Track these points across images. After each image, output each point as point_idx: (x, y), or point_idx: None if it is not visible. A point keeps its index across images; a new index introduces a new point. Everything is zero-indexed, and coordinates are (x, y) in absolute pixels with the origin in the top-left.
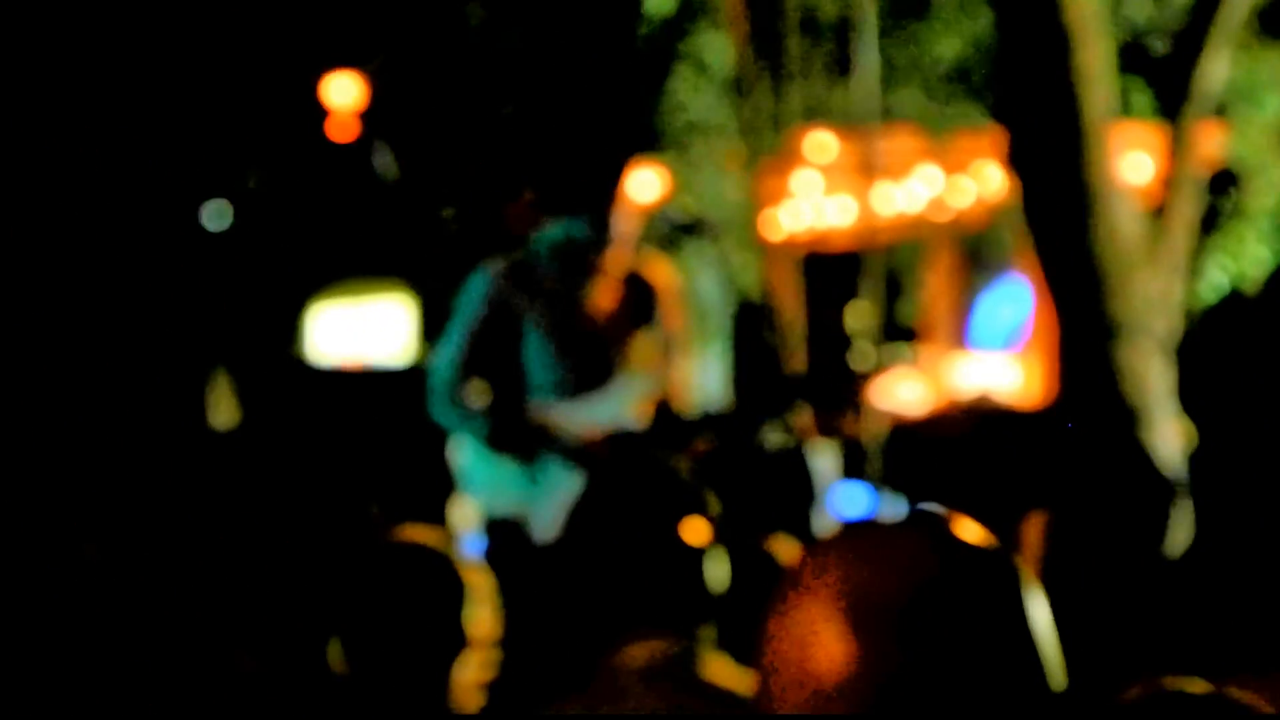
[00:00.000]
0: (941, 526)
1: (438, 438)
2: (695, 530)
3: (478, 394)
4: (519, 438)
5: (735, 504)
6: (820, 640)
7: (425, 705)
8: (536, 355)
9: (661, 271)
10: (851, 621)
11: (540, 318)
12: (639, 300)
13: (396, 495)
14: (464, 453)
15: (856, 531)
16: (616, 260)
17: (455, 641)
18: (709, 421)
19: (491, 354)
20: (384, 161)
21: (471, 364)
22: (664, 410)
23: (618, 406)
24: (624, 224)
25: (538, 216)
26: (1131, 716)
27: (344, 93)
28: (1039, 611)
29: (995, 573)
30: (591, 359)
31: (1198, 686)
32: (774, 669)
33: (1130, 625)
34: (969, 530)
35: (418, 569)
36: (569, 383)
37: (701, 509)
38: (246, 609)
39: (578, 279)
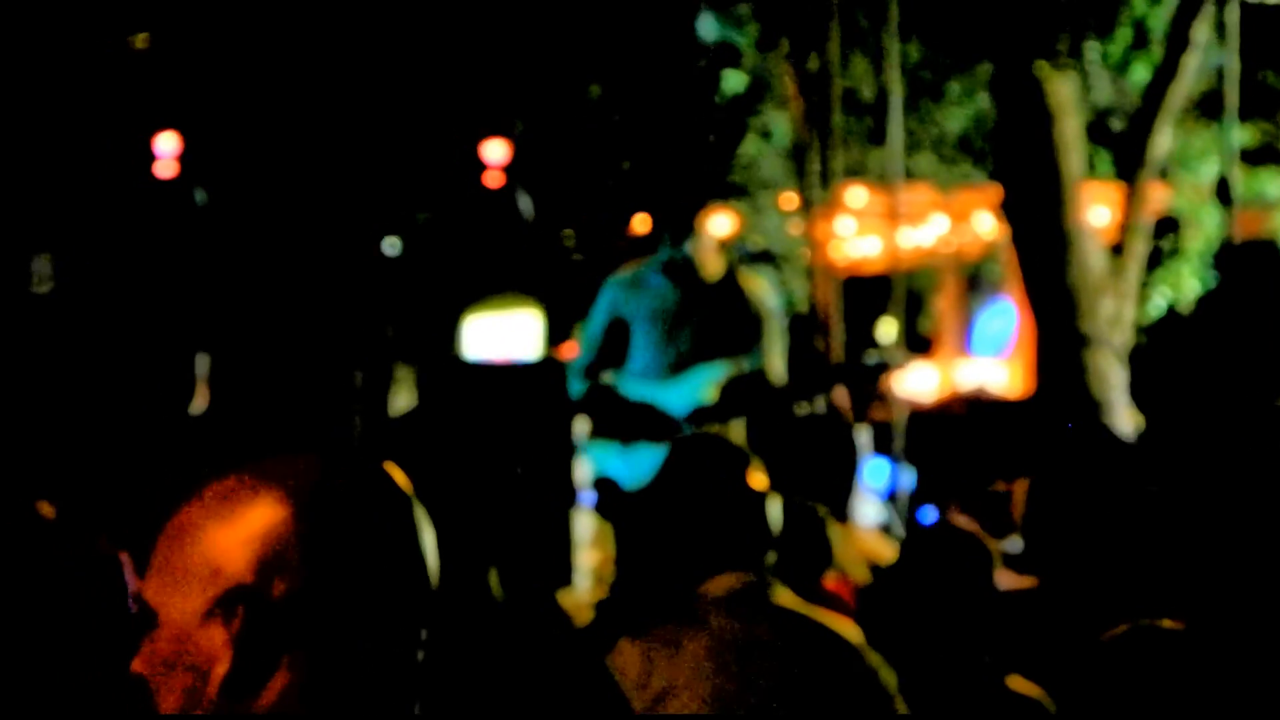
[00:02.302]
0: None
1: (565, 413)
2: (758, 479)
3: (604, 379)
4: (620, 414)
5: (789, 466)
6: None
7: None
8: (642, 348)
9: (754, 282)
10: None
11: (647, 319)
12: (728, 304)
13: (529, 457)
14: (583, 422)
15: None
16: (707, 274)
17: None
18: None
19: (612, 347)
20: (523, 204)
21: (601, 353)
22: (732, 386)
23: (700, 388)
24: (704, 248)
25: (635, 248)
26: (1114, 653)
27: (495, 152)
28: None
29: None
30: (684, 352)
31: (1169, 624)
32: None
33: (1101, 571)
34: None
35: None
36: (665, 370)
37: (760, 465)
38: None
39: (677, 289)
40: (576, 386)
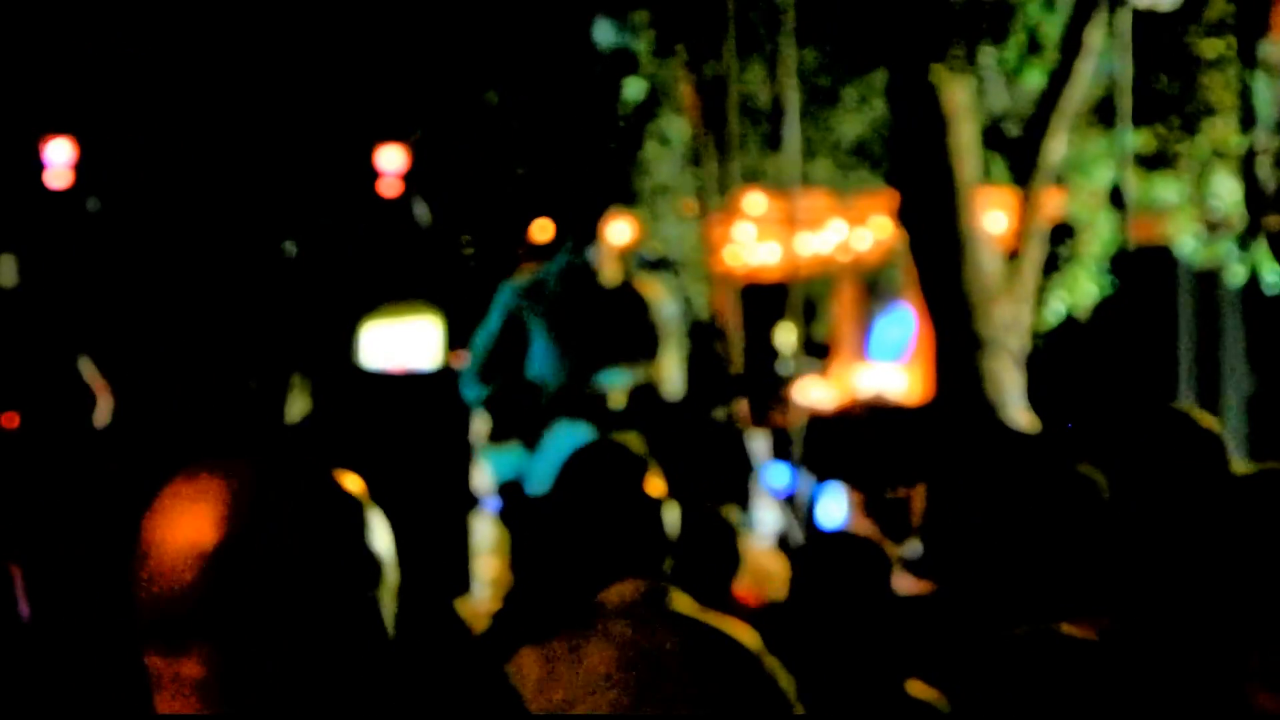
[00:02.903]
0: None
1: (462, 420)
2: (654, 485)
3: (497, 382)
4: (519, 418)
5: (689, 473)
6: None
7: (445, 633)
8: (541, 354)
9: (652, 289)
10: None
11: (546, 324)
12: (626, 310)
13: (428, 466)
14: (481, 428)
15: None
16: (605, 280)
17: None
18: (673, 407)
19: (509, 351)
20: (420, 212)
21: (494, 357)
22: (638, 394)
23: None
24: (604, 255)
25: (533, 255)
26: (1011, 656)
27: (391, 159)
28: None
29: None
30: (584, 357)
31: (1069, 628)
32: None
33: (998, 575)
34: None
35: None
36: (565, 376)
37: (658, 472)
38: None
39: (576, 295)
40: (471, 391)
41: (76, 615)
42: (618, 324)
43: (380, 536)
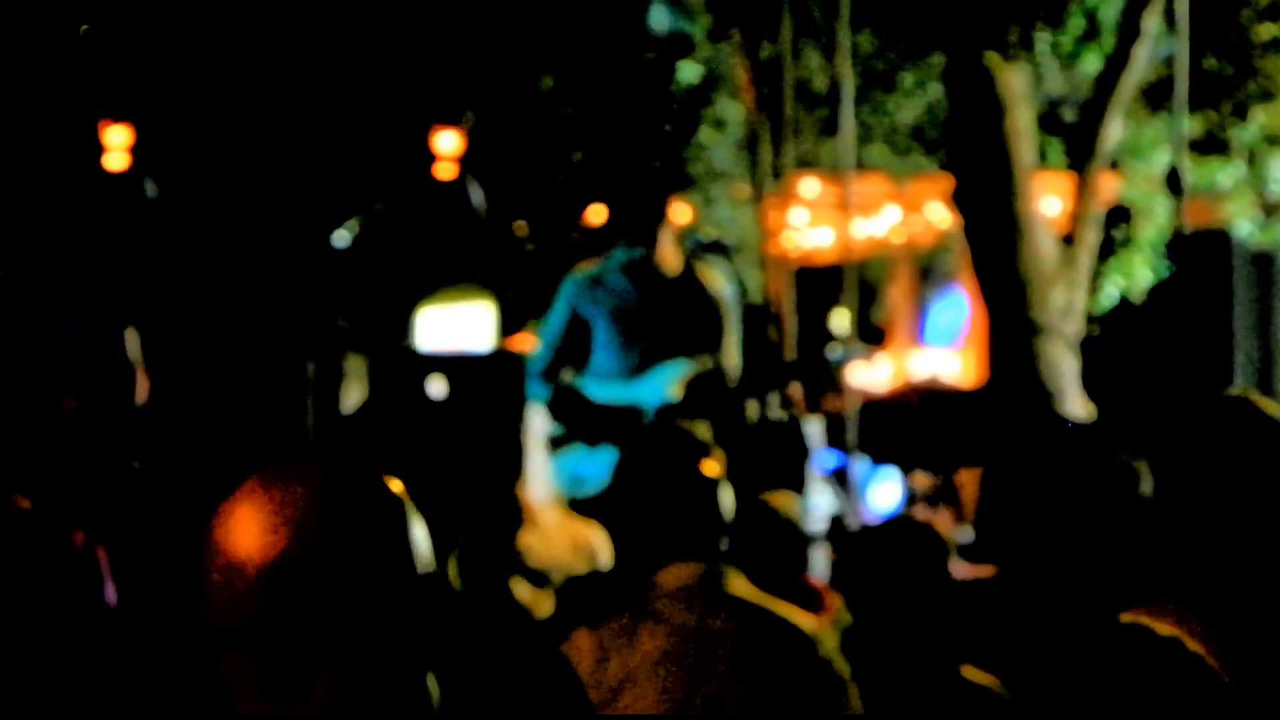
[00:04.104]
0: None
1: (517, 401)
2: (710, 467)
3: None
4: (580, 415)
5: (744, 459)
6: None
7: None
8: (603, 348)
9: (712, 276)
10: None
11: (608, 318)
12: (690, 301)
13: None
14: (544, 420)
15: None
16: (666, 270)
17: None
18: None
19: (572, 347)
20: (476, 197)
21: (560, 353)
22: (697, 383)
23: (661, 387)
24: (664, 245)
25: (588, 239)
26: (1096, 652)
27: (447, 143)
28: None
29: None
30: (646, 352)
31: (1163, 628)
32: None
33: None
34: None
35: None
36: (628, 370)
37: (717, 455)
38: None
39: (638, 287)
40: (537, 388)
41: (157, 602)
42: (681, 314)
43: (421, 539)
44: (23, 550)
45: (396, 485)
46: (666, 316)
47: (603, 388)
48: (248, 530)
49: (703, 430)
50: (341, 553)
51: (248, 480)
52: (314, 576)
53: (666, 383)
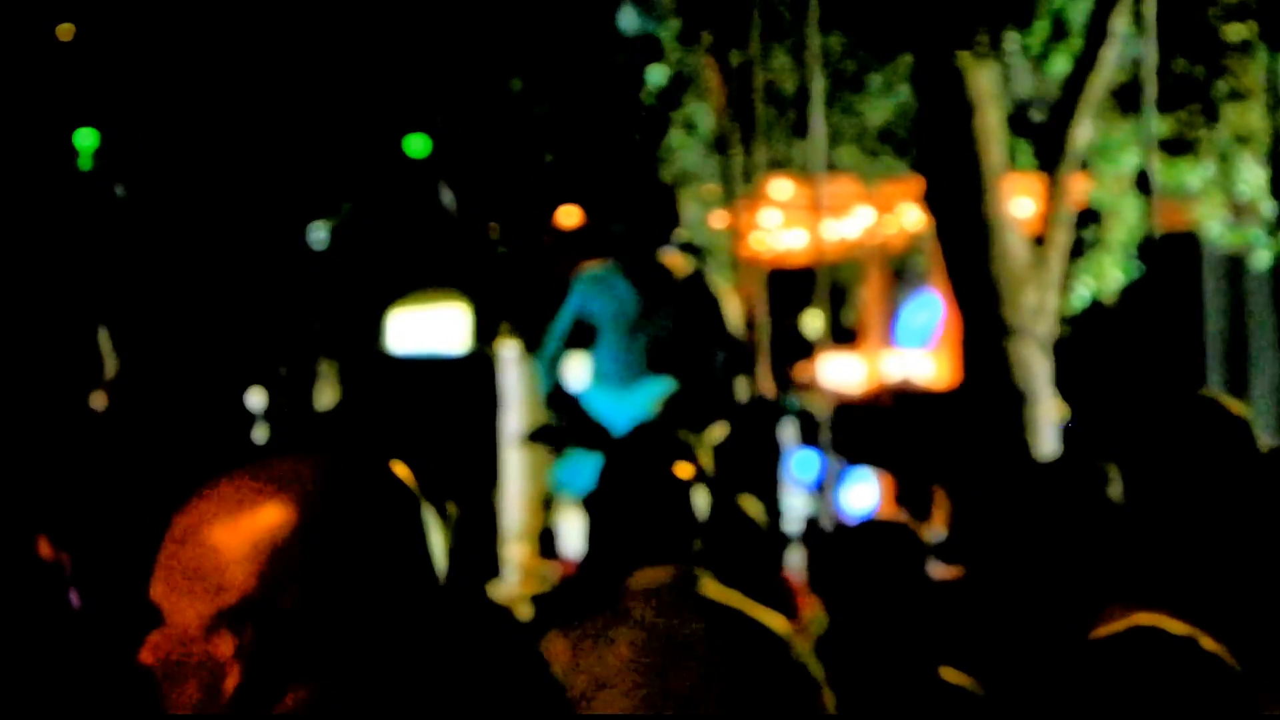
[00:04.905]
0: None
1: (490, 404)
2: (684, 469)
3: (572, 374)
4: (572, 418)
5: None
6: None
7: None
8: (605, 349)
9: (720, 284)
10: None
11: (609, 321)
12: (694, 306)
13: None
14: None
15: None
16: (672, 275)
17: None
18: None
19: (581, 343)
20: (447, 199)
21: (567, 349)
22: (677, 402)
23: (646, 402)
24: (672, 248)
25: (562, 242)
26: (1108, 653)
27: (417, 146)
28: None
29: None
30: (639, 359)
31: (1176, 627)
32: None
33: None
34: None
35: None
36: (621, 377)
37: (690, 456)
38: None
39: (640, 293)
40: (544, 381)
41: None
42: (681, 319)
43: (433, 530)
44: None
45: (403, 471)
46: (665, 323)
47: (599, 391)
48: (246, 518)
49: (682, 434)
50: (340, 542)
51: (245, 469)
52: (308, 568)
53: (651, 398)
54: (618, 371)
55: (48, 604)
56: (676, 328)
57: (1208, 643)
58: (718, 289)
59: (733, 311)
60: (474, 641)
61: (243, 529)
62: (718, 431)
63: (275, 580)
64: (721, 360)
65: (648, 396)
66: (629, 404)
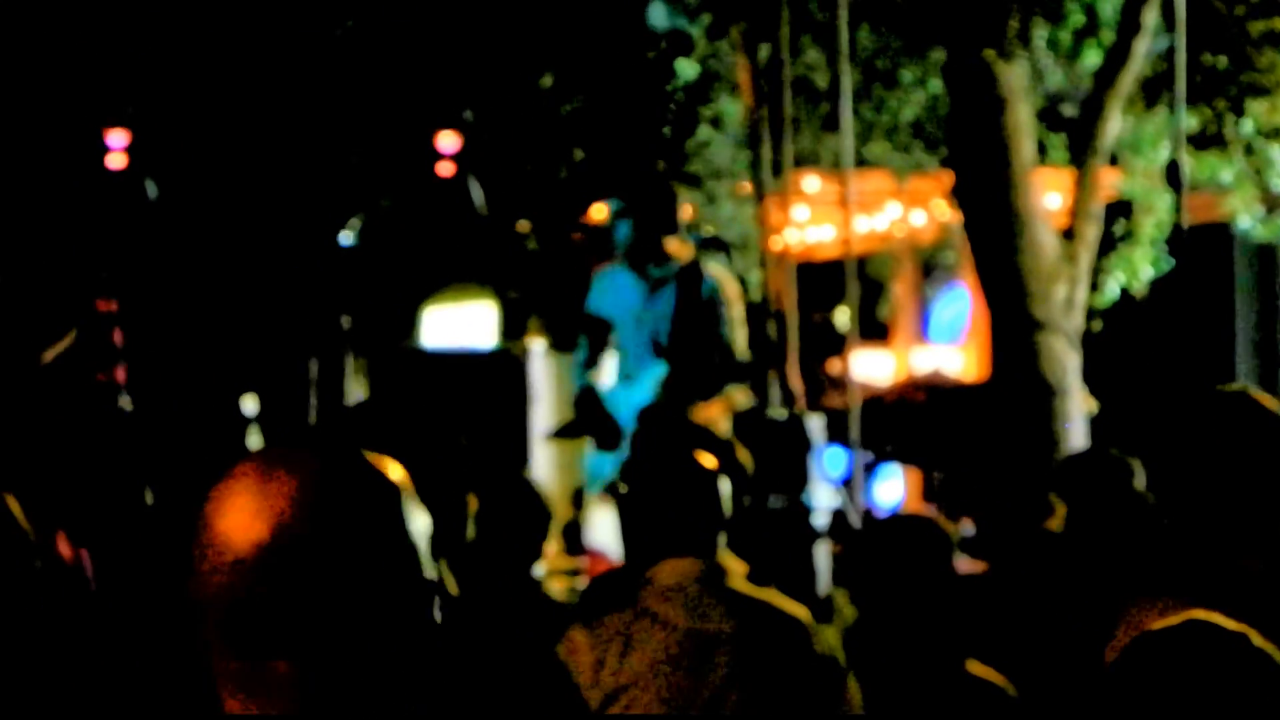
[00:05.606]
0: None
1: (520, 398)
2: (707, 459)
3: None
4: (592, 414)
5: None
6: None
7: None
8: (620, 344)
9: (722, 275)
10: None
11: (616, 317)
12: (693, 296)
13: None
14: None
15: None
16: (672, 266)
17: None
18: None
19: (599, 343)
20: (477, 195)
21: (591, 348)
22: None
23: (649, 389)
24: (674, 241)
25: (592, 239)
26: (1164, 647)
27: (448, 142)
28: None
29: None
30: (640, 352)
31: (1228, 624)
32: None
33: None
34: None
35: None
36: (625, 370)
37: (709, 445)
38: None
39: (640, 286)
40: (576, 380)
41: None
42: (681, 309)
43: (418, 524)
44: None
45: (398, 472)
46: (664, 314)
47: (618, 386)
48: (245, 513)
49: (696, 409)
50: (339, 537)
51: (243, 463)
52: (309, 562)
53: (653, 384)
54: (628, 365)
55: (67, 600)
56: (674, 311)
57: (1258, 639)
58: (717, 274)
59: (732, 293)
60: (491, 639)
61: (237, 521)
62: (738, 396)
63: (270, 570)
64: (721, 335)
65: (650, 382)
66: (636, 394)
